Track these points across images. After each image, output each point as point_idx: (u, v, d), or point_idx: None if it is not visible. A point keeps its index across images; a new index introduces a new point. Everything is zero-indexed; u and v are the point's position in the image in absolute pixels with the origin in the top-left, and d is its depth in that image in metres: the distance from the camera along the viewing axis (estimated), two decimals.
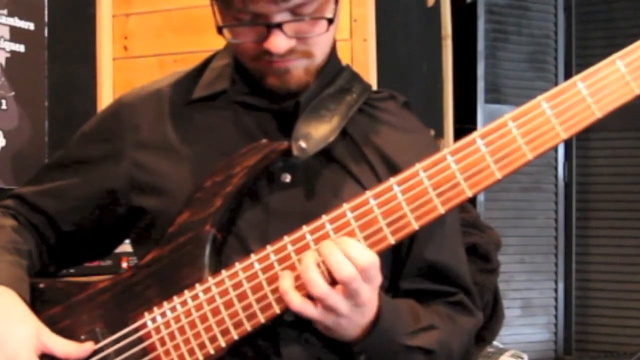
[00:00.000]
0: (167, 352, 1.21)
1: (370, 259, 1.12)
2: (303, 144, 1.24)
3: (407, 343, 1.23)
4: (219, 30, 1.24)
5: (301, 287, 1.14)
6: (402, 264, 1.32)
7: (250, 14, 1.20)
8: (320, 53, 1.28)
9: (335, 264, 1.11)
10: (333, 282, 1.12)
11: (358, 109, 1.35)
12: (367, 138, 1.33)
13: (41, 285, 1.31)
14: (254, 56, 1.25)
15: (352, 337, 1.18)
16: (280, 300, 1.16)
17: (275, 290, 1.17)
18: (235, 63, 1.36)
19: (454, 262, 1.36)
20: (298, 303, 1.13)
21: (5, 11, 2.56)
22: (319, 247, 1.14)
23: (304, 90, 1.30)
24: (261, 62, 1.25)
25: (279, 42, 1.20)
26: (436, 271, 1.33)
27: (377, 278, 1.15)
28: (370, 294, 1.14)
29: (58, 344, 1.23)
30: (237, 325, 1.18)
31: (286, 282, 1.14)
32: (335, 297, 1.12)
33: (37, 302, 1.27)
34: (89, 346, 1.24)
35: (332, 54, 1.35)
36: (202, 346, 1.20)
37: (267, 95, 1.31)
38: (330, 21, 1.24)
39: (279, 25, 1.19)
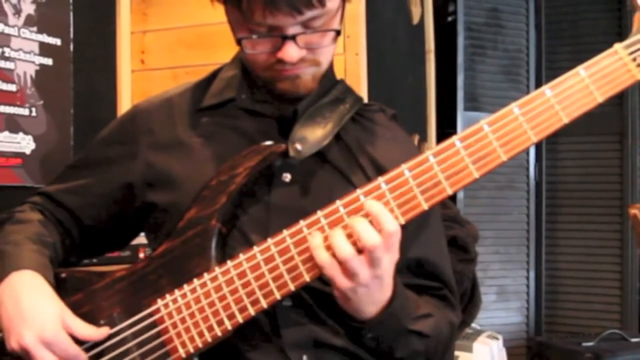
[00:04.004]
0: (178, 335, 1.21)
1: (395, 227, 1.10)
2: (299, 146, 1.24)
3: (409, 327, 1.22)
4: (238, 42, 1.24)
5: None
6: None
7: (266, 27, 1.19)
8: (325, 61, 1.28)
9: (363, 232, 1.09)
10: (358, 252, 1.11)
11: (352, 119, 1.35)
12: (359, 144, 1.33)
13: (63, 275, 1.31)
14: (267, 65, 1.25)
15: (367, 314, 1.17)
16: (280, 286, 1.16)
17: (276, 278, 1.16)
18: (242, 74, 1.36)
19: (439, 259, 1.35)
20: (323, 258, 1.11)
21: (35, 28, 2.56)
22: (348, 220, 1.12)
23: (309, 95, 1.30)
24: (273, 70, 1.25)
25: (292, 52, 1.20)
26: (422, 267, 1.32)
27: (396, 250, 1.13)
28: (389, 267, 1.13)
29: (79, 326, 1.23)
30: (242, 310, 1.18)
31: (316, 240, 1.13)
32: (357, 262, 1.10)
33: (60, 290, 1.26)
34: (105, 330, 1.24)
35: (330, 68, 1.35)
36: (210, 329, 1.19)
37: (271, 102, 1.31)
38: (338, 33, 1.24)
39: (293, 37, 1.19)
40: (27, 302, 1.20)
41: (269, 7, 1.15)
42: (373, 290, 1.14)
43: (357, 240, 1.10)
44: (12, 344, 1.20)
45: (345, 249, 1.10)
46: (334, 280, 1.12)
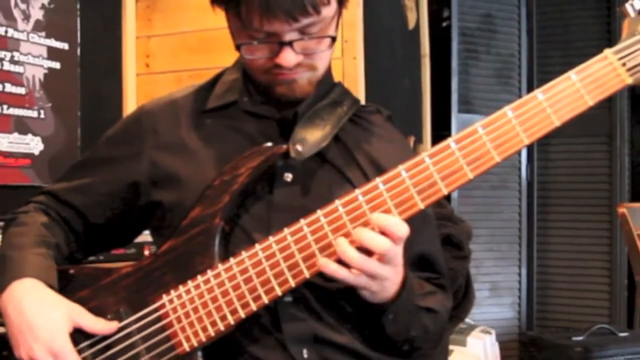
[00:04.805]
0: (183, 329, 1.21)
1: (406, 230, 1.12)
2: (299, 147, 1.24)
3: (419, 304, 1.24)
4: (237, 48, 1.25)
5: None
6: None
7: (264, 33, 1.20)
8: (322, 66, 1.29)
9: (368, 240, 1.11)
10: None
11: (349, 120, 1.35)
12: (357, 144, 1.33)
13: (71, 271, 1.30)
14: (265, 70, 1.25)
15: (388, 296, 1.18)
16: (281, 283, 1.16)
17: (277, 275, 1.16)
18: (243, 78, 1.36)
19: (437, 252, 1.37)
20: (347, 276, 1.13)
21: (43, 33, 2.57)
22: (353, 232, 1.13)
23: (306, 98, 1.30)
24: (271, 74, 1.25)
25: (289, 58, 1.20)
26: (424, 261, 1.33)
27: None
28: (401, 256, 1.15)
29: (89, 320, 1.23)
30: (244, 305, 1.18)
31: (332, 266, 1.13)
32: (380, 267, 1.12)
33: (68, 286, 1.27)
34: (114, 324, 1.23)
35: (327, 71, 1.34)
36: (213, 324, 1.19)
37: (272, 105, 1.31)
38: (334, 39, 1.24)
39: (289, 43, 1.19)
40: (31, 313, 1.20)
41: (266, 15, 1.15)
42: (394, 278, 1.16)
43: (371, 249, 1.11)
44: (22, 355, 1.20)
45: (371, 263, 1.12)
46: (363, 287, 1.15)
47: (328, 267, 1.13)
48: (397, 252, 1.13)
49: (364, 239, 1.11)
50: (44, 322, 1.19)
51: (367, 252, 1.12)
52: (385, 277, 1.14)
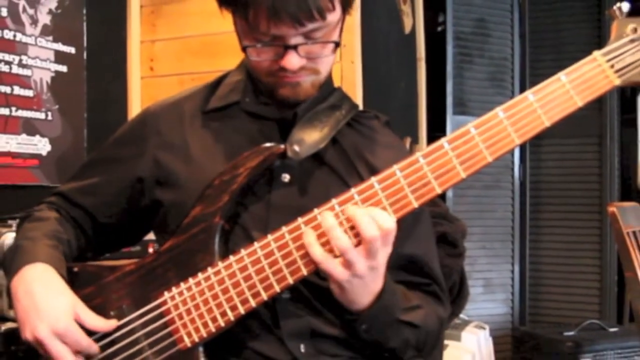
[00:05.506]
0: (184, 325, 1.20)
1: (393, 225, 1.10)
2: (297, 148, 1.24)
3: (400, 317, 1.22)
4: (243, 49, 1.24)
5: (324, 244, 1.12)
6: None
7: (270, 37, 1.19)
8: (325, 70, 1.28)
9: (364, 224, 1.09)
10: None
11: (347, 124, 1.35)
12: (354, 148, 1.33)
13: (75, 269, 1.30)
14: (269, 72, 1.25)
15: (361, 305, 1.16)
16: (280, 280, 1.16)
17: (275, 272, 1.16)
18: (246, 79, 1.36)
19: (429, 257, 1.35)
20: (319, 254, 1.11)
21: (50, 37, 2.56)
22: (346, 210, 1.12)
23: (308, 100, 1.30)
24: (275, 77, 1.25)
25: (293, 61, 1.20)
26: (413, 264, 1.31)
27: (391, 245, 1.13)
28: (383, 260, 1.13)
29: (89, 317, 1.22)
30: (244, 302, 1.17)
31: (310, 237, 1.12)
32: (354, 252, 1.09)
33: (73, 284, 1.26)
34: (113, 322, 1.23)
35: (329, 75, 1.34)
36: (214, 320, 1.19)
37: (273, 106, 1.31)
38: (337, 44, 1.24)
39: (294, 47, 1.19)
40: (40, 295, 1.20)
41: (272, 19, 1.15)
42: (368, 281, 1.13)
43: (358, 232, 1.10)
44: (27, 335, 1.19)
45: (343, 240, 1.10)
46: (330, 272, 1.12)
47: (308, 236, 1.12)
48: (378, 249, 1.10)
49: (357, 217, 1.10)
50: (51, 305, 1.19)
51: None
52: (359, 273, 1.11)
